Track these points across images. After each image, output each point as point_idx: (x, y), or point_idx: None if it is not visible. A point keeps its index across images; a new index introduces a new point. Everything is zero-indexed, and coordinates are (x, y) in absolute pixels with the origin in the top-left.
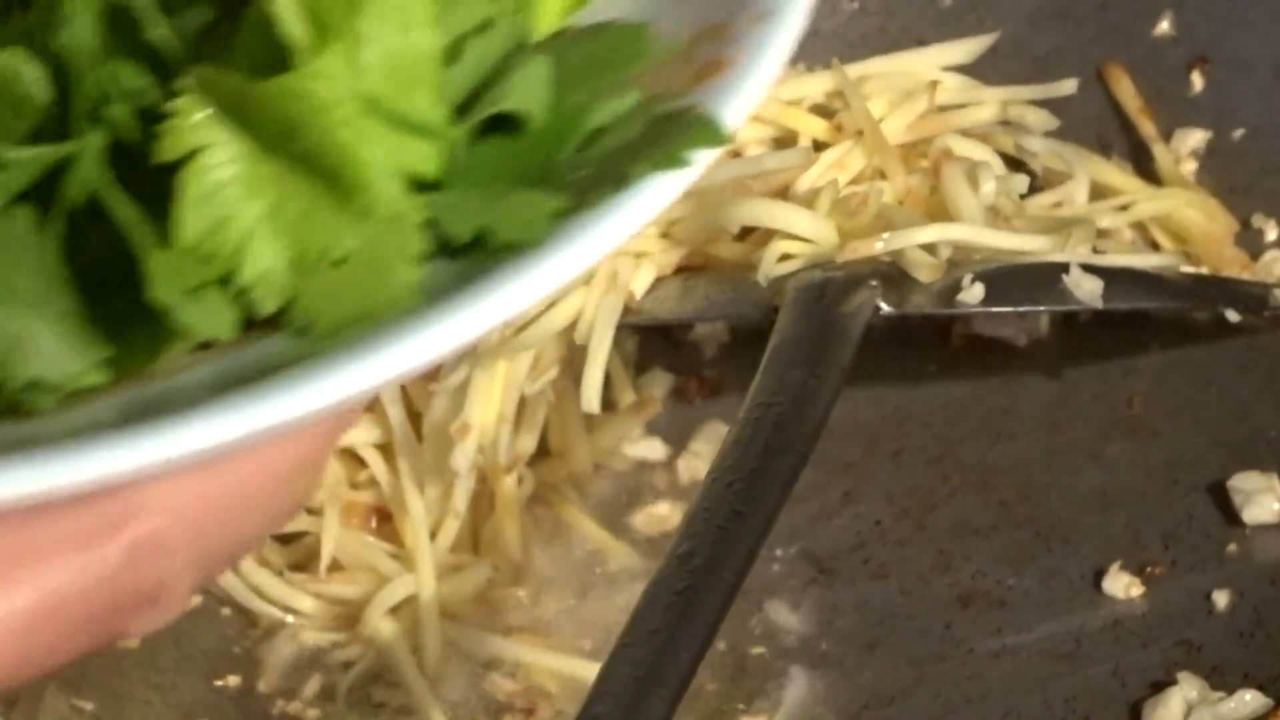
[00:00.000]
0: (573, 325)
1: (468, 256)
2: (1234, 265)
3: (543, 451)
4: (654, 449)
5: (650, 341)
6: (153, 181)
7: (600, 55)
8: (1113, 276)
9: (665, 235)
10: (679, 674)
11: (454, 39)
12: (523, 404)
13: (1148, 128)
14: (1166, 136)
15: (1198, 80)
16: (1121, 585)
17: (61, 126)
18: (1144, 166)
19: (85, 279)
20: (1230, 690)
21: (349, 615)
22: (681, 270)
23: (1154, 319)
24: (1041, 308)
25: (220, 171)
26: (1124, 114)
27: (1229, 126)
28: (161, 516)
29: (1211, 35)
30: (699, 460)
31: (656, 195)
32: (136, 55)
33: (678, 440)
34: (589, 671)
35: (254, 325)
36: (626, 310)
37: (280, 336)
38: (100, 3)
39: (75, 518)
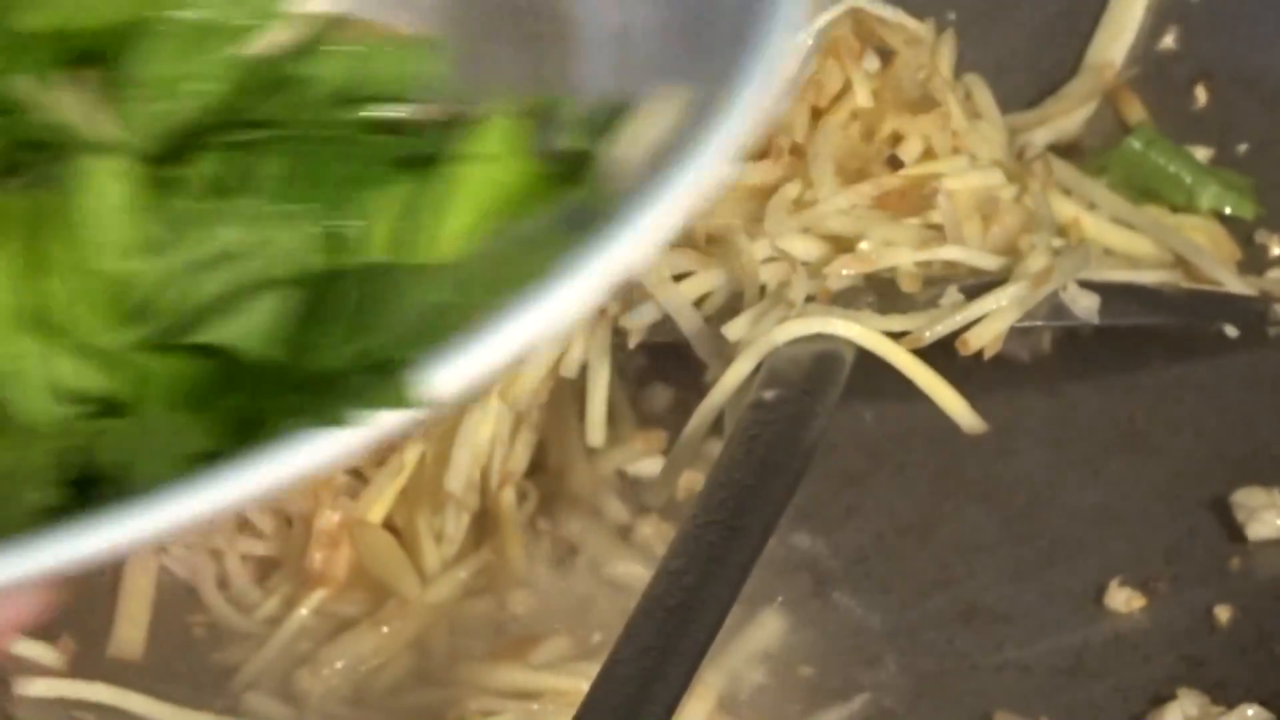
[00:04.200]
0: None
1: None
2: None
3: (543, 466)
4: (654, 466)
5: (653, 356)
6: None
7: (371, 295)
8: (1110, 292)
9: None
10: (670, 692)
11: (188, 263)
12: (515, 421)
13: None
14: None
15: (1202, 95)
16: (1123, 600)
17: None
18: None
19: None
20: (1232, 705)
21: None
22: None
23: (1155, 335)
24: (1040, 322)
25: None
26: (1130, 131)
27: (1233, 142)
28: None
29: (1215, 51)
30: (698, 475)
31: (296, 454)
32: None
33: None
34: (582, 688)
35: None
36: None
37: None
38: None
39: None
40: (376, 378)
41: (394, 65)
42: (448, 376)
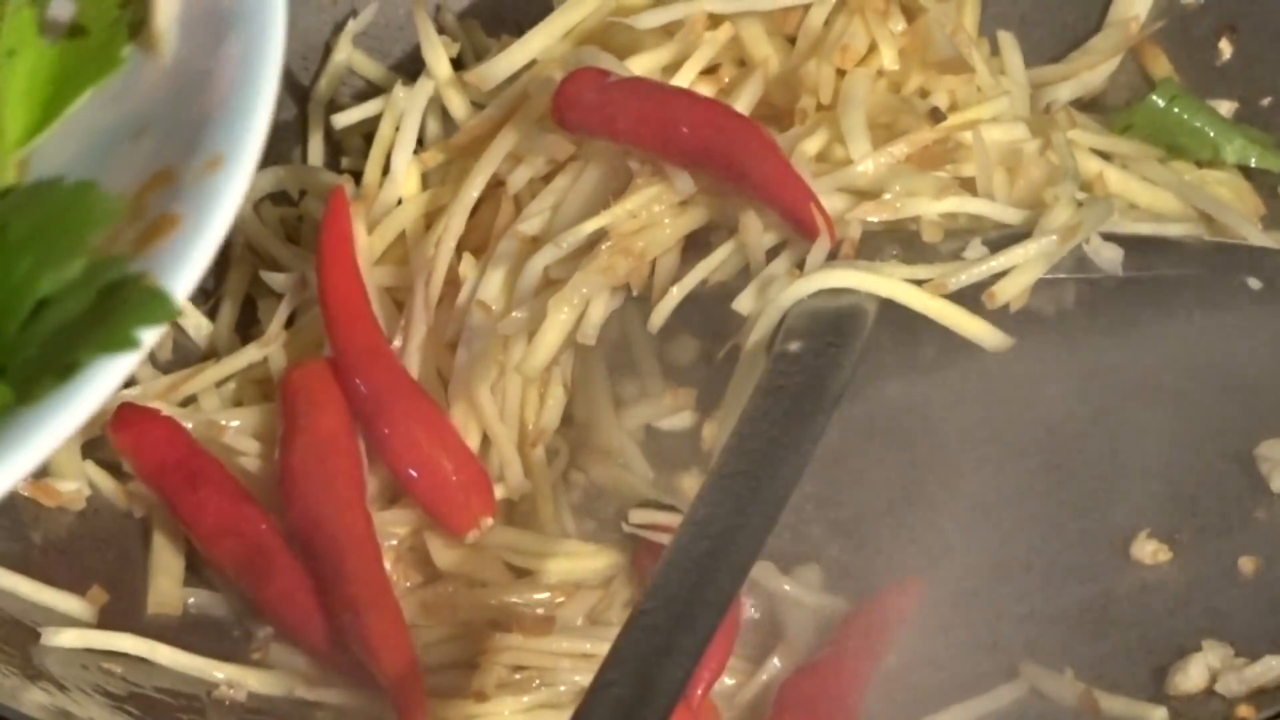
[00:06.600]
0: None
1: None
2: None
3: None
4: (682, 419)
5: (679, 308)
6: None
7: (47, 218)
8: (1134, 244)
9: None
10: (695, 642)
11: None
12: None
13: None
14: None
15: (1226, 48)
16: (1149, 552)
17: None
18: None
19: None
20: (1256, 657)
21: None
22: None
23: (1179, 287)
24: (1063, 275)
25: None
26: (1154, 86)
27: (1257, 95)
28: None
29: (1240, 4)
30: (723, 427)
31: (105, 380)
32: None
33: (705, 407)
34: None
35: None
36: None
37: None
38: None
39: None
40: (138, 295)
41: None
42: (188, 276)
